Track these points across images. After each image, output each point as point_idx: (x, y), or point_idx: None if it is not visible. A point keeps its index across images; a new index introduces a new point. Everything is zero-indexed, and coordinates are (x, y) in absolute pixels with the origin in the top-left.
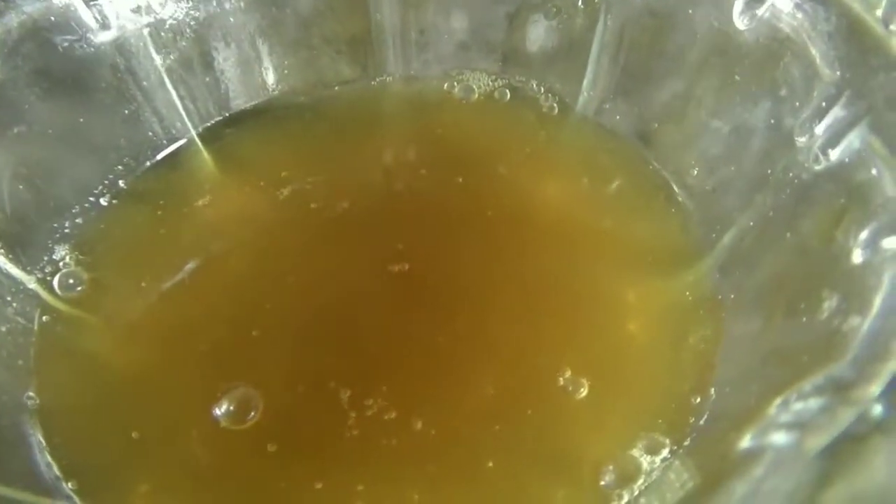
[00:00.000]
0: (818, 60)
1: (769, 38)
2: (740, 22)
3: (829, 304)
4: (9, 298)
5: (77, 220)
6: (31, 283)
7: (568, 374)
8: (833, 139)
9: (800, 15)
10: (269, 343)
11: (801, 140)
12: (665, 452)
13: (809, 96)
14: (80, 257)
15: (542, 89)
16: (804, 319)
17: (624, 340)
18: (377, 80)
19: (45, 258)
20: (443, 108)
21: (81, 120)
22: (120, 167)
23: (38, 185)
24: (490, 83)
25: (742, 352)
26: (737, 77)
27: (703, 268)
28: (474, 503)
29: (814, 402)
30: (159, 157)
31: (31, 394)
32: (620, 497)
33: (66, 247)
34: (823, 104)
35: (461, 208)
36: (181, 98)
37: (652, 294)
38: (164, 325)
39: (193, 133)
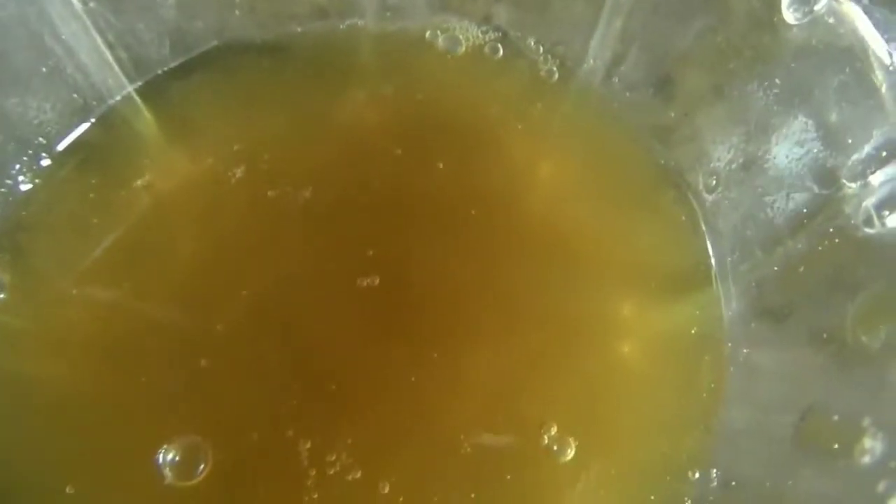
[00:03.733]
0: (884, 90)
1: (825, 43)
2: (789, 14)
3: (871, 445)
4: None
5: None
6: None
7: (553, 430)
8: (893, 200)
9: (869, 23)
10: (219, 376)
11: (851, 186)
12: None
13: (867, 133)
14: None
15: (542, 49)
16: (837, 446)
17: (617, 388)
18: (346, 22)
19: None
20: (423, 63)
21: None
22: (41, 139)
23: None
24: (480, 35)
25: (753, 434)
26: (777, 80)
27: (713, 298)
28: None
29: None
30: (89, 122)
31: None
32: None
33: None
34: (884, 153)
35: (441, 205)
36: (110, 47)
37: (652, 327)
38: (100, 342)
39: (130, 89)
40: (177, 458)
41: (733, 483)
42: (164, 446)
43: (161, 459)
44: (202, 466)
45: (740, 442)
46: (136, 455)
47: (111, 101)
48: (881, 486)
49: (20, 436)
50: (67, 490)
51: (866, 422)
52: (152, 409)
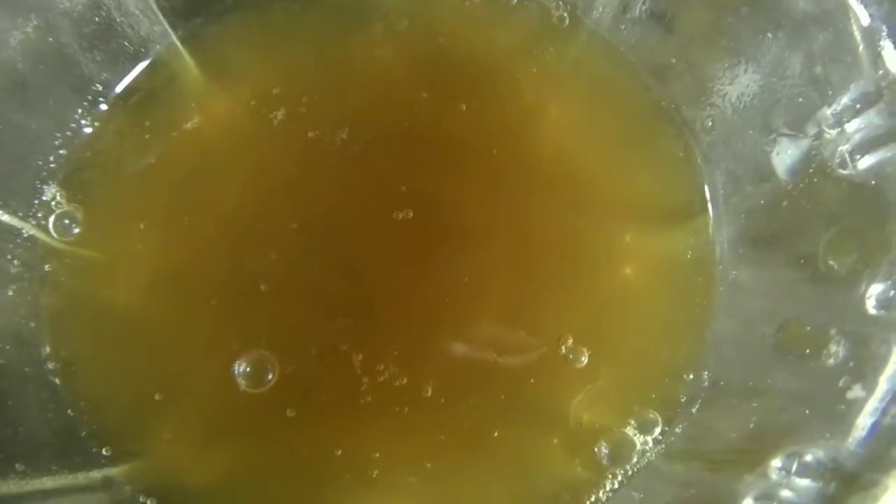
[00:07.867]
0: (861, 50)
1: (813, 4)
2: None
3: (836, 350)
4: (9, 257)
5: (61, 152)
6: (29, 230)
7: (570, 341)
8: (865, 146)
9: None
10: (278, 300)
11: (829, 133)
12: (657, 432)
13: (845, 86)
14: (72, 193)
15: None
16: (808, 351)
17: (623, 305)
18: None
19: (36, 201)
20: (443, 8)
21: (50, 39)
22: (98, 85)
23: (11, 118)
24: None
25: (739, 343)
26: (769, 34)
27: (706, 227)
28: (482, 473)
29: (812, 482)
30: (138, 69)
31: (49, 366)
32: (615, 476)
33: (55, 185)
34: (858, 105)
35: (465, 144)
36: None
37: (653, 251)
38: (168, 271)
39: (173, 36)
40: (248, 370)
41: (721, 383)
42: (237, 359)
43: (236, 369)
44: (270, 376)
45: (727, 349)
46: (214, 367)
47: (157, 48)
48: (841, 382)
49: (111, 353)
50: (156, 397)
51: (832, 331)
52: (223, 328)
